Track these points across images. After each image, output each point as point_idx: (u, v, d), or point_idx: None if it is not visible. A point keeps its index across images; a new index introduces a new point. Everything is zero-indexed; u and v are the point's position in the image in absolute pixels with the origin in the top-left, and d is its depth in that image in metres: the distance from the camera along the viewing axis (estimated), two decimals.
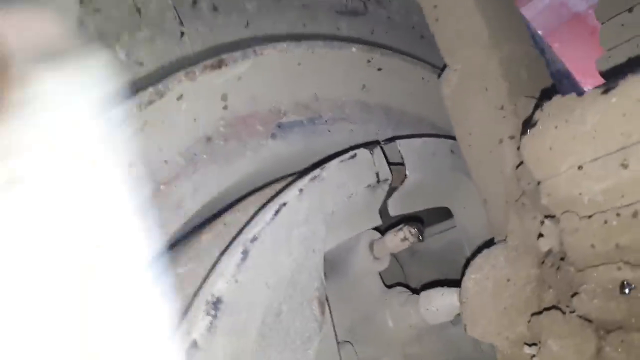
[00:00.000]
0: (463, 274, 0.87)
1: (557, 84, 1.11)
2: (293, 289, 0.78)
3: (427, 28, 1.11)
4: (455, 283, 1.04)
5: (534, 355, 0.69)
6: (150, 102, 0.78)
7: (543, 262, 0.75)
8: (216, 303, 0.68)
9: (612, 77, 0.94)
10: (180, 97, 0.87)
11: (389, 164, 1.02)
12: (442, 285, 1.04)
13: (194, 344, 0.64)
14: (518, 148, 0.78)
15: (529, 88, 0.93)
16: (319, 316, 0.80)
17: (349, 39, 1.18)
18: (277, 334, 0.73)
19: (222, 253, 0.77)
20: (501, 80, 0.90)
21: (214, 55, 0.92)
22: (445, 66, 1.02)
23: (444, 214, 1.47)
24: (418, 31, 1.38)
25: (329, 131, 1.16)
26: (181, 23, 0.89)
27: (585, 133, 0.61)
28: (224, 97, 0.95)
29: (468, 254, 1.24)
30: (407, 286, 1.16)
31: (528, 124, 0.70)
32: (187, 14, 0.90)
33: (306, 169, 1.09)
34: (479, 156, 0.95)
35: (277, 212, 0.80)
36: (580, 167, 0.62)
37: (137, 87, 0.78)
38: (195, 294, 0.72)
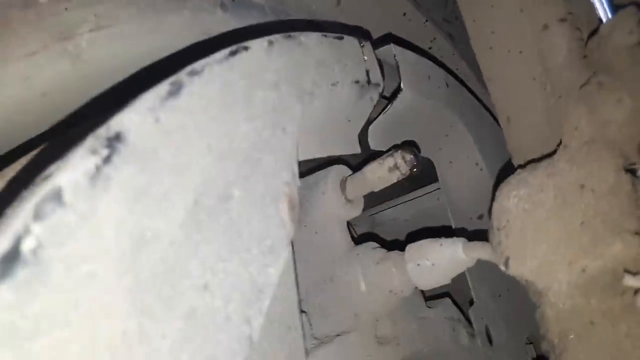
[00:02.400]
0: (493, 199, 0.60)
1: None
2: (252, 171, 0.46)
3: None
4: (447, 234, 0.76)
5: (638, 290, 0.42)
6: None
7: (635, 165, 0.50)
8: (113, 139, 0.35)
9: None
10: None
11: (382, 66, 0.75)
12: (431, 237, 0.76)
13: (56, 195, 0.31)
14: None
15: None
16: (288, 223, 0.48)
17: None
18: (219, 227, 0.41)
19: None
20: None
21: None
22: None
23: (413, 181, 1.21)
24: None
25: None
26: None
27: None
28: None
29: (451, 218, 0.98)
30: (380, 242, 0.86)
31: None
32: None
33: None
34: (505, 60, 0.72)
35: (234, 52, 0.49)
36: None
37: None
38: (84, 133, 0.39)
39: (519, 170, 0.59)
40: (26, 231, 0.29)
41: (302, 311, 0.76)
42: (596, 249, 0.47)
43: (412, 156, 0.74)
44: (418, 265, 0.72)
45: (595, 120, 0.53)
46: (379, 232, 1.16)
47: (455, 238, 0.72)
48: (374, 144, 0.82)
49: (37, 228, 0.30)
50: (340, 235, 0.81)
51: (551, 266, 0.49)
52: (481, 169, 0.99)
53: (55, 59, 0.50)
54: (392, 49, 0.80)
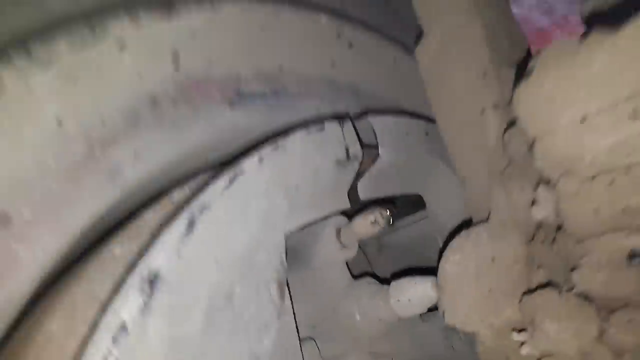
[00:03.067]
0: (440, 258, 0.77)
1: None
2: (248, 269, 0.66)
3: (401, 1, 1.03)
4: (429, 272, 0.94)
5: (523, 343, 0.60)
6: (84, 45, 0.66)
7: (533, 238, 0.66)
8: (153, 280, 0.56)
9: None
10: (123, 48, 0.75)
11: (360, 140, 0.93)
12: (414, 274, 0.95)
13: (123, 327, 0.52)
14: (502, 120, 0.70)
15: (511, 55, 0.85)
16: (278, 301, 0.68)
17: (317, 6, 1.08)
18: (226, 318, 0.61)
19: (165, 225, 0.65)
20: (484, 46, 0.82)
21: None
22: (421, 34, 0.94)
23: (413, 205, 1.38)
24: (391, 5, 1.30)
25: (294, 107, 1.05)
26: None
27: (590, 79, 0.52)
28: (176, 55, 0.84)
29: (440, 244, 1.16)
30: (375, 277, 1.06)
31: (519, 78, 0.61)
32: None
33: (267, 138, 0.98)
34: (459, 129, 0.87)
35: (232, 180, 0.69)
36: (583, 120, 0.53)
37: (69, 25, 0.65)
38: (129, 271, 0.60)
39: (458, 236, 0.77)
40: (109, 353, 0.51)
41: (310, 337, 0.97)
42: (497, 312, 0.64)
43: (387, 212, 0.93)
44: (398, 300, 0.91)
45: (509, 203, 0.70)
46: (385, 252, 1.34)
47: (426, 277, 0.90)
48: (363, 196, 1.00)
49: (115, 351, 0.51)
50: (340, 273, 1.01)
51: (471, 321, 0.67)
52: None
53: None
54: (369, 121, 0.97)
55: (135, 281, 0.55)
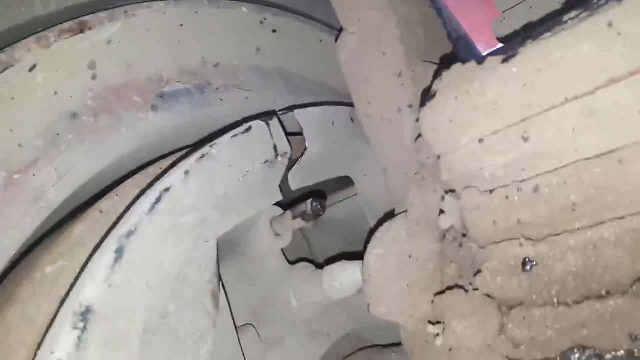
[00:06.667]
0: (365, 249, 0.83)
1: (453, 45, 1.08)
2: (181, 285, 0.69)
3: None
4: (359, 255, 1.00)
5: (437, 334, 0.67)
6: None
7: (444, 237, 0.73)
8: (84, 313, 0.58)
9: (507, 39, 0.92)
10: (33, 68, 0.72)
11: (287, 135, 0.95)
12: (346, 259, 1.01)
13: None
14: (417, 119, 0.74)
15: (427, 51, 0.89)
16: (212, 310, 0.72)
17: None
18: (162, 338, 0.65)
19: (94, 250, 0.67)
20: (398, 44, 0.85)
21: (74, 16, 0.77)
22: (342, 29, 0.95)
23: (345, 181, 1.44)
24: None
25: (221, 100, 1.05)
26: None
27: (486, 104, 0.57)
28: (92, 65, 0.82)
29: (370, 221, 1.22)
30: (311, 261, 1.12)
31: (427, 94, 0.65)
32: None
33: (193, 145, 0.99)
34: (378, 125, 0.91)
35: (158, 199, 0.70)
36: (480, 140, 0.59)
37: None
38: (62, 302, 0.61)
39: (380, 227, 0.82)
40: None
41: (250, 324, 1.02)
42: (415, 306, 0.71)
43: (317, 205, 0.97)
44: (330, 285, 0.97)
45: (423, 203, 0.75)
46: (320, 228, 1.39)
47: (356, 261, 0.96)
48: (294, 186, 1.04)
49: None
50: (276, 260, 1.06)
51: (393, 313, 0.74)
52: None
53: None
54: (295, 115, 0.99)
55: (67, 316, 0.57)
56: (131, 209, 0.69)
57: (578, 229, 0.55)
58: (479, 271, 0.62)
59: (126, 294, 0.62)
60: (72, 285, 0.64)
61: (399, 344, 1.25)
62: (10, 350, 0.72)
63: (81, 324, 0.57)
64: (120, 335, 0.60)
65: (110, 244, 0.64)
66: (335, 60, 1.32)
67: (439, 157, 0.64)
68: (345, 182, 1.44)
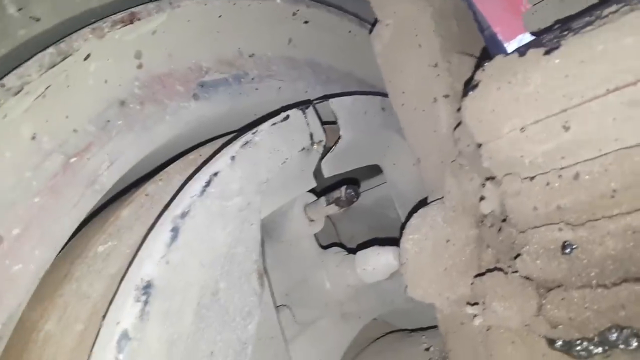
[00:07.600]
0: (401, 235, 0.86)
1: (483, 36, 1.10)
2: (230, 265, 0.73)
3: None
4: (390, 241, 1.04)
5: (475, 315, 0.70)
6: (52, 65, 0.68)
7: (482, 222, 0.75)
8: (146, 287, 0.62)
9: (538, 33, 0.94)
10: (87, 57, 0.76)
11: (322, 123, 0.98)
12: (377, 244, 1.04)
13: (125, 335, 0.58)
14: (458, 110, 0.76)
15: (461, 43, 0.91)
16: (258, 289, 0.76)
17: None
18: (215, 313, 0.68)
19: (149, 230, 0.70)
20: (434, 36, 0.88)
21: (124, 8, 0.81)
22: (376, 21, 0.98)
23: (374, 169, 1.46)
24: None
25: (257, 89, 1.08)
26: None
27: (528, 95, 0.59)
28: (138, 55, 0.85)
29: (398, 209, 1.25)
30: (342, 246, 1.15)
31: (469, 84, 0.67)
32: None
33: (236, 132, 1.02)
34: (413, 115, 0.94)
35: (208, 183, 0.74)
36: (522, 130, 0.61)
37: (34, 47, 0.66)
38: (122, 278, 0.66)
39: (415, 215, 0.85)
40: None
41: (285, 305, 1.06)
42: (452, 288, 0.74)
43: (352, 192, 1.00)
44: (364, 269, 1.01)
45: (460, 190, 0.78)
46: (348, 215, 1.43)
47: (388, 248, 1.00)
48: (327, 173, 1.07)
49: (120, 356, 0.57)
50: (309, 245, 1.09)
51: (430, 295, 0.77)
52: None
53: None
54: (330, 104, 1.02)
55: (130, 290, 0.61)
56: (183, 191, 0.73)
57: (617, 214, 0.57)
58: (518, 255, 0.65)
59: (182, 271, 0.66)
60: (129, 264, 0.69)
61: (424, 329, 1.30)
62: (68, 325, 0.76)
63: (144, 297, 0.61)
64: (178, 310, 0.64)
65: (166, 224, 0.68)
66: (363, 51, 1.35)
67: (479, 145, 0.67)
68: (370, 171, 1.48)
